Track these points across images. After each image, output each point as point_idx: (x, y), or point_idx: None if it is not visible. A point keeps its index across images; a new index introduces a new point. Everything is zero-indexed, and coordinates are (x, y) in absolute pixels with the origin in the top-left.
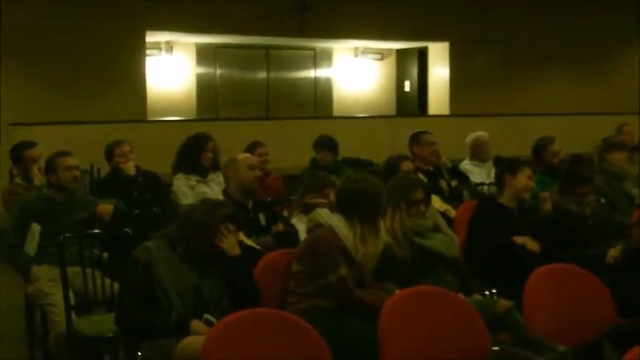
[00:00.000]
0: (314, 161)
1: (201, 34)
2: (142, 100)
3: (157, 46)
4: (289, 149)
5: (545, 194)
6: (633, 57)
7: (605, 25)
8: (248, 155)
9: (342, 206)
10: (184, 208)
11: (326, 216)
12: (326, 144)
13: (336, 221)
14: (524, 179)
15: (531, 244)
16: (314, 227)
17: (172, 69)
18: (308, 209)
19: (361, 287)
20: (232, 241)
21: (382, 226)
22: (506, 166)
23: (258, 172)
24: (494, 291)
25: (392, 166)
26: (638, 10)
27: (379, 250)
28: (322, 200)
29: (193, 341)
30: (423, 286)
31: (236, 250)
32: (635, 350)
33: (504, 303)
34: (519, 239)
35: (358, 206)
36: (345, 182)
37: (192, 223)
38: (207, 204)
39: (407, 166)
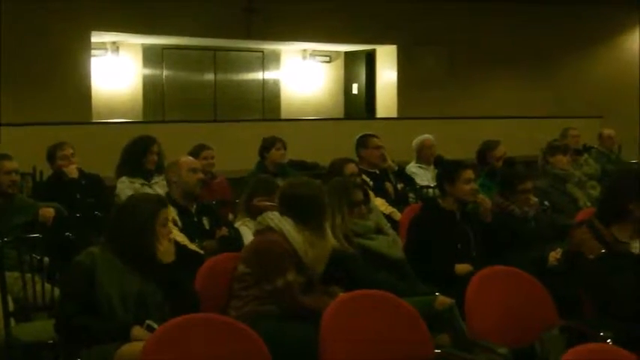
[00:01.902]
0: (260, 164)
1: (148, 35)
2: (86, 101)
3: (102, 46)
4: (236, 152)
5: (483, 197)
6: (578, 61)
7: (551, 30)
8: (190, 158)
9: (285, 211)
10: (113, 213)
11: (276, 219)
12: (282, 142)
13: (286, 225)
14: (462, 186)
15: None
16: (264, 230)
17: (118, 70)
18: (257, 212)
19: (309, 291)
20: (167, 248)
21: (329, 230)
22: (444, 174)
23: (200, 175)
24: (437, 294)
25: (336, 168)
26: (582, 15)
27: (327, 253)
28: (272, 203)
29: (133, 347)
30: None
31: (170, 257)
32: (575, 350)
33: (443, 300)
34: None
35: (301, 210)
36: (285, 188)
37: (125, 230)
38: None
39: (351, 168)
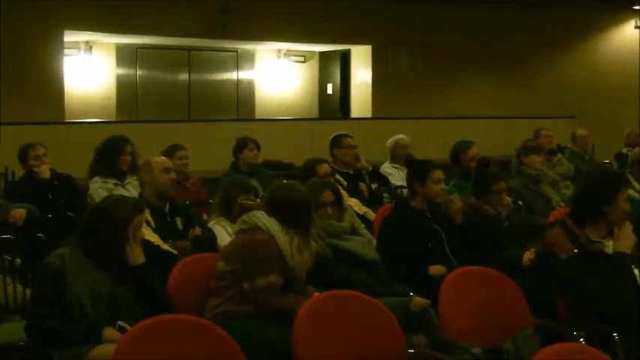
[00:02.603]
0: (234, 164)
1: (122, 35)
2: (59, 101)
3: (75, 45)
4: (211, 152)
5: (453, 198)
6: (552, 62)
7: (524, 31)
8: (163, 158)
9: (273, 212)
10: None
11: (264, 219)
12: (255, 142)
13: (274, 226)
14: (432, 186)
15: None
16: (251, 229)
17: (91, 70)
18: (238, 212)
19: (286, 292)
20: (135, 250)
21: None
22: (414, 174)
23: (173, 175)
24: (411, 294)
25: (309, 169)
26: (555, 17)
27: (312, 259)
28: (258, 203)
29: (106, 349)
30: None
31: (140, 259)
32: (547, 350)
33: (419, 301)
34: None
35: (291, 215)
36: (278, 190)
37: (98, 233)
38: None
39: (323, 169)
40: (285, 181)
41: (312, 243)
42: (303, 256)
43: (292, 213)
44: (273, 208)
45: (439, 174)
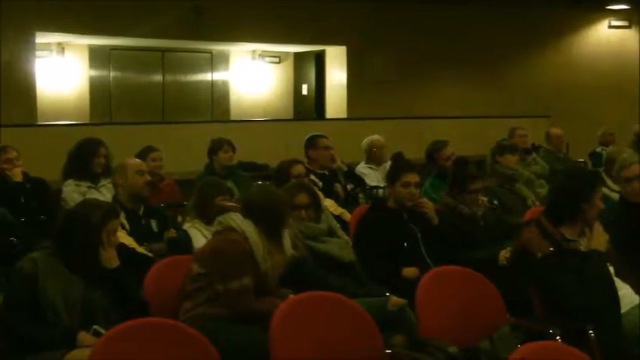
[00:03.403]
0: (209, 166)
1: (95, 36)
2: (31, 103)
3: (47, 47)
4: (185, 153)
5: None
6: (526, 61)
7: (499, 31)
8: (137, 160)
9: (248, 215)
10: (61, 218)
11: (239, 221)
12: (229, 144)
13: (248, 227)
14: (399, 189)
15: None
16: (225, 231)
17: (64, 71)
18: (214, 213)
19: (260, 294)
20: (110, 254)
21: (288, 239)
22: (388, 174)
23: (147, 178)
24: (388, 294)
25: (283, 170)
26: (530, 16)
27: (284, 264)
28: (234, 204)
29: (81, 353)
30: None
31: (114, 263)
32: (523, 348)
33: (396, 301)
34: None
35: (265, 218)
36: (254, 193)
37: (72, 237)
38: (82, 212)
39: (298, 169)
40: (261, 183)
41: (286, 247)
42: (274, 261)
43: (268, 215)
44: (250, 210)
45: (410, 177)
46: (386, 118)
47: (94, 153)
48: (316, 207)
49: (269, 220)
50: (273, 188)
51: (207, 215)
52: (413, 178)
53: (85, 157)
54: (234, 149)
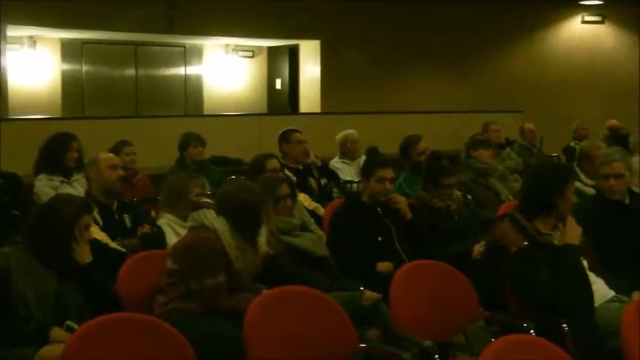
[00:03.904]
0: (180, 160)
1: (67, 29)
2: (3, 97)
3: (19, 41)
4: (158, 148)
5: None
6: (500, 56)
7: (473, 26)
8: (110, 155)
9: (222, 211)
10: (33, 213)
11: (211, 218)
12: (199, 139)
13: (221, 225)
14: (373, 184)
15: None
16: (198, 227)
17: (36, 65)
18: (193, 208)
19: (234, 290)
20: (82, 249)
21: (263, 237)
22: (362, 168)
23: (121, 172)
24: (362, 288)
25: (257, 164)
26: (503, 12)
27: (259, 259)
28: (209, 201)
29: (54, 349)
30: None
31: (87, 258)
32: (497, 342)
33: (370, 295)
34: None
35: (239, 216)
36: (230, 189)
37: (44, 233)
38: (55, 207)
39: (272, 164)
40: (237, 179)
41: (260, 245)
42: (247, 260)
43: (244, 214)
44: (224, 207)
45: (383, 173)
46: (360, 112)
47: (66, 147)
48: (294, 199)
49: (245, 219)
50: (250, 185)
51: (180, 210)
52: (387, 173)
53: (57, 152)
54: (203, 144)
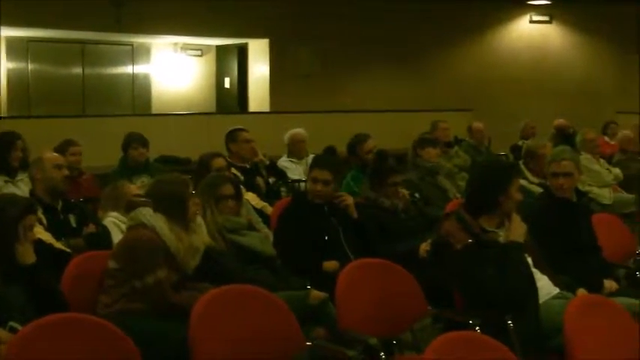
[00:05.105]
0: (123, 160)
1: (11, 27)
2: None
3: None
4: (106, 147)
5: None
6: (449, 55)
7: (422, 25)
8: (55, 154)
9: (156, 207)
10: None
11: (149, 215)
12: (140, 140)
13: (158, 221)
14: (310, 184)
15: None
16: (136, 226)
17: None
18: (131, 207)
19: (180, 288)
20: (26, 250)
21: (203, 226)
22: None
23: (66, 172)
24: (308, 287)
25: (204, 163)
26: (453, 10)
27: (199, 250)
28: (146, 199)
29: None
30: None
31: (30, 258)
32: (441, 338)
33: (317, 294)
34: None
35: (167, 207)
36: (152, 185)
37: None
38: None
39: (218, 163)
40: (162, 175)
41: (199, 233)
42: (186, 247)
43: (168, 204)
44: (156, 203)
45: (317, 174)
46: (309, 111)
47: (10, 146)
48: (238, 199)
49: (174, 209)
50: (172, 176)
51: (120, 209)
52: (320, 174)
53: (1, 151)
54: (145, 145)
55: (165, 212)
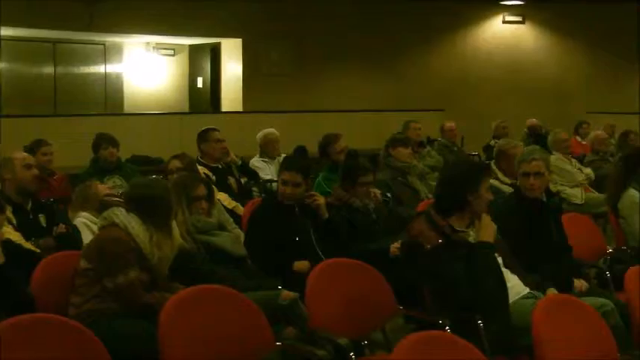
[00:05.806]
0: (94, 160)
1: None
2: None
3: None
4: (77, 147)
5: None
6: (421, 55)
7: (395, 24)
8: (25, 154)
9: (134, 209)
10: None
11: (122, 216)
12: (110, 140)
13: (132, 222)
14: (280, 185)
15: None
16: (108, 226)
17: None
18: (104, 207)
19: (152, 289)
20: None
21: (176, 229)
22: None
23: (36, 172)
24: (279, 287)
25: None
26: (425, 10)
27: (174, 252)
28: (119, 199)
29: None
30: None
31: None
32: (410, 338)
33: (287, 294)
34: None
35: (148, 210)
36: (131, 188)
37: None
38: None
39: (172, 164)
40: (143, 177)
41: (174, 237)
42: (164, 251)
43: (151, 208)
44: (132, 204)
45: (285, 175)
46: (282, 111)
47: None
48: (210, 200)
49: (156, 212)
50: (156, 180)
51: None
52: (290, 176)
53: None
54: (115, 145)
55: (145, 216)
